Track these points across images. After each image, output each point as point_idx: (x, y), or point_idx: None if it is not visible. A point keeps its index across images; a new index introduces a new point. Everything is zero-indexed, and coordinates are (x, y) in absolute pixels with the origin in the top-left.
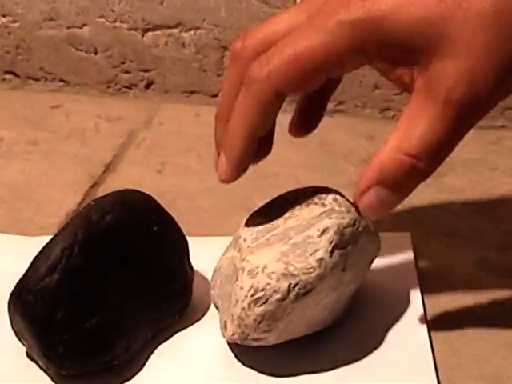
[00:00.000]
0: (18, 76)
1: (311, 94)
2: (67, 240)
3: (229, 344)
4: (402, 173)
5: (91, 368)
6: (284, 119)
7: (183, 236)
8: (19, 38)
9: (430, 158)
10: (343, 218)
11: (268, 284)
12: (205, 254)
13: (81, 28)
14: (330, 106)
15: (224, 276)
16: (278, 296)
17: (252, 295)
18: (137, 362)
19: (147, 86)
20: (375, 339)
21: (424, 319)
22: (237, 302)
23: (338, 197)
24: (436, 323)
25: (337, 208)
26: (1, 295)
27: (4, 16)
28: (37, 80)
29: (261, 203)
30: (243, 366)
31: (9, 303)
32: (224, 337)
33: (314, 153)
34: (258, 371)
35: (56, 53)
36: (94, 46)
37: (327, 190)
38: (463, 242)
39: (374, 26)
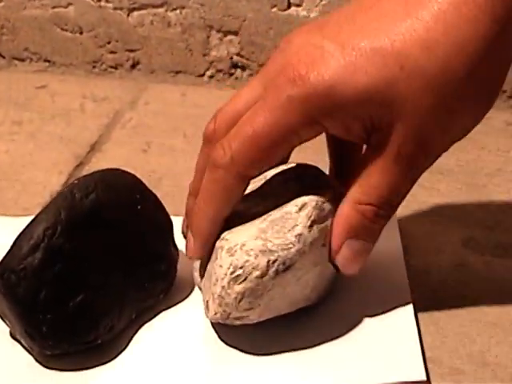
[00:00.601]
0: (3, 56)
1: (337, 140)
2: (50, 219)
3: (212, 324)
4: (368, 221)
5: (75, 347)
6: None
7: (168, 216)
8: (4, 18)
9: (388, 204)
10: (322, 193)
11: (247, 261)
12: None
13: (66, 8)
14: None
15: (205, 256)
16: (257, 273)
17: (231, 273)
18: (121, 341)
19: (133, 66)
20: (360, 318)
21: (410, 298)
22: (217, 280)
23: (316, 172)
24: (422, 302)
25: (315, 183)
26: None
27: None
28: (22, 60)
29: None
30: (227, 346)
31: None
32: (207, 317)
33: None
34: (242, 351)
35: (41, 33)
36: (80, 25)
37: (305, 167)
38: (450, 221)
39: (322, 98)
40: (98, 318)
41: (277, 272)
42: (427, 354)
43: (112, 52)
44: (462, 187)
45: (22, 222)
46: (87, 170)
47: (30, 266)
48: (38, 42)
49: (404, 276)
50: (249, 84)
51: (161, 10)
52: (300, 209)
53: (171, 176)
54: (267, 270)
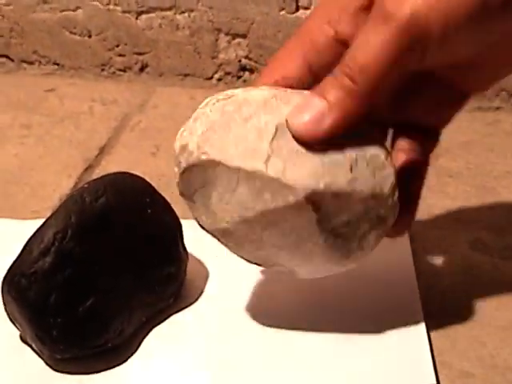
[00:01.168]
0: (12, 60)
1: None
2: (60, 223)
3: (222, 328)
4: (332, 78)
5: (85, 351)
6: None
7: (177, 219)
8: (13, 21)
9: (348, 67)
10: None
11: None
12: (199, 237)
13: (74, 11)
14: None
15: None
16: None
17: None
18: (131, 345)
19: (141, 69)
20: (370, 323)
21: (419, 301)
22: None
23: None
24: (431, 305)
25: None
26: None
27: None
28: (31, 63)
29: None
30: (236, 349)
31: (2, 287)
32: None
33: None
34: (252, 355)
35: (50, 36)
36: (88, 29)
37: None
38: (459, 223)
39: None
40: (108, 321)
41: None
42: (437, 358)
43: (121, 55)
44: (471, 190)
45: (32, 226)
46: (96, 173)
47: (41, 270)
48: (46, 45)
49: (413, 279)
50: None
51: (169, 13)
52: None
53: None
54: None
